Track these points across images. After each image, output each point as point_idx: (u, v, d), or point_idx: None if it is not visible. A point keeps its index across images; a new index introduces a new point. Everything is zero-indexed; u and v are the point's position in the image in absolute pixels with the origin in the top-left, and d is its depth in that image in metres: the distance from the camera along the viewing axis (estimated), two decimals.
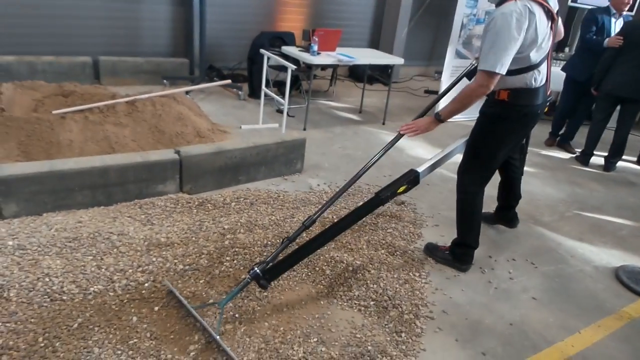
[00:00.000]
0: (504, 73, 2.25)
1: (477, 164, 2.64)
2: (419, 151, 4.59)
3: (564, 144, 5.27)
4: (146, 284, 2.24)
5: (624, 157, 4.88)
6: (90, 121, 3.47)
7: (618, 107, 4.67)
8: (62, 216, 2.70)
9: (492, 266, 2.88)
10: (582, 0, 6.30)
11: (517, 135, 2.61)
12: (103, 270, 2.27)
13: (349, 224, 2.40)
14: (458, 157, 2.75)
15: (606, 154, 4.82)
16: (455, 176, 2.76)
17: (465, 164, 2.68)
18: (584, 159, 4.89)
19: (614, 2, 4.59)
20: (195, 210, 2.96)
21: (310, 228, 2.38)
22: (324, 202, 3.28)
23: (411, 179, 2.53)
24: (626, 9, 4.62)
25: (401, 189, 2.51)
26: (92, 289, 2.15)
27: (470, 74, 2.78)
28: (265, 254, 2.59)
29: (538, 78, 2.43)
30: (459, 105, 2.38)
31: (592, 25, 4.62)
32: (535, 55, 2.34)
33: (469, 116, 5.38)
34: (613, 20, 4.62)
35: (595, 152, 4.87)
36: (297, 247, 2.30)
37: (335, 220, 2.67)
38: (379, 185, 3.64)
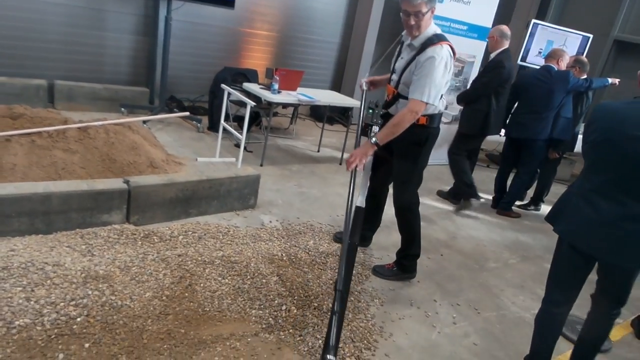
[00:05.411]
0: (435, 104, 2.69)
1: (413, 180, 3.00)
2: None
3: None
4: (78, 319, 2.13)
5: None
6: (37, 145, 3.36)
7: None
8: None
9: (437, 310, 2.92)
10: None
11: (429, 152, 3.00)
12: (32, 302, 2.15)
13: (349, 275, 2.47)
14: None
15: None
16: None
17: (403, 184, 3.00)
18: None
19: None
20: (139, 242, 2.87)
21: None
22: (275, 237, 3.29)
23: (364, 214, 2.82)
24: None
25: None
26: (17, 322, 2.03)
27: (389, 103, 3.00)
28: (208, 286, 2.53)
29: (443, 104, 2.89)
30: (392, 129, 2.70)
31: None
32: (446, 86, 2.79)
33: None
34: None
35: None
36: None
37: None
38: (331, 225, 3.70)
